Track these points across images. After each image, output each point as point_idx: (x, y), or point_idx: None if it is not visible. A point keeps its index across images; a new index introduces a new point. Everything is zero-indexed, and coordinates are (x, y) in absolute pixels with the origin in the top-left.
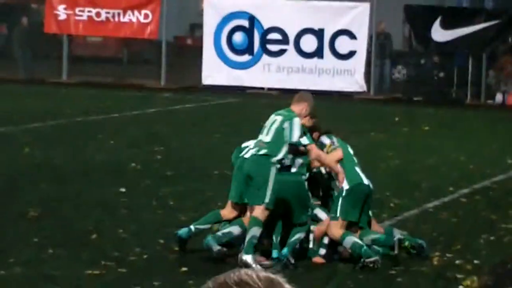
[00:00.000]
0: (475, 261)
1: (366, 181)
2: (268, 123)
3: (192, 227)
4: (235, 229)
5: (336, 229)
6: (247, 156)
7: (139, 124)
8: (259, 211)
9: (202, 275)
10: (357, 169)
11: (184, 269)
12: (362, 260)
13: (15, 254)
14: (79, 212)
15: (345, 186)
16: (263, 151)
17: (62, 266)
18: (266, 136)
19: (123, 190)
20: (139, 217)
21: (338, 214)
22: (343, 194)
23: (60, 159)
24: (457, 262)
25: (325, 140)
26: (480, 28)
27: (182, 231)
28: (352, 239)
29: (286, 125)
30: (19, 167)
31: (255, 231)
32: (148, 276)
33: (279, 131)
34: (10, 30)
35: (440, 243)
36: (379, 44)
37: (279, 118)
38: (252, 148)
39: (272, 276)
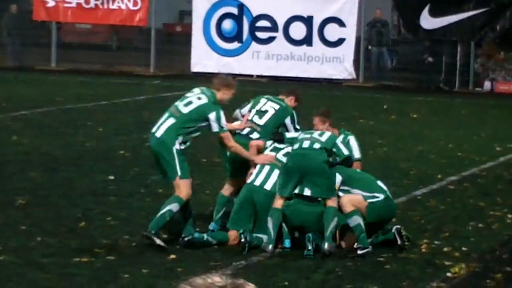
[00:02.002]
0: (464, 248)
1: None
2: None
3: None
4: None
5: (352, 203)
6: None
7: (129, 111)
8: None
9: (191, 262)
10: None
11: (172, 256)
12: (355, 245)
13: (3, 241)
14: (67, 199)
15: None
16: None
17: (51, 253)
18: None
19: (112, 177)
20: (127, 204)
21: (368, 202)
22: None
23: (49, 147)
24: (445, 249)
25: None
26: (468, 15)
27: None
28: (358, 220)
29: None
30: (7, 154)
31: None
32: (137, 264)
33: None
34: None
35: (429, 230)
36: (376, 32)
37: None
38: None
39: (229, 280)
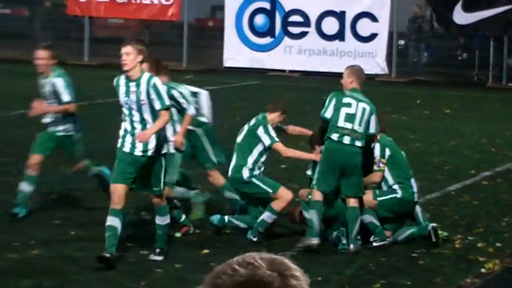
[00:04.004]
0: (497, 244)
1: None
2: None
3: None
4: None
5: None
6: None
7: None
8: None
9: (224, 257)
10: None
11: (205, 251)
12: (372, 237)
13: (36, 235)
14: (101, 193)
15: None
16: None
17: (84, 247)
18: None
19: None
20: None
21: (379, 200)
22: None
23: (84, 140)
24: (479, 244)
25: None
26: (501, 10)
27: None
28: (370, 218)
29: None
30: None
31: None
32: (170, 258)
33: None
34: (32, 12)
35: (462, 225)
36: (416, 27)
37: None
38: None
39: (274, 256)
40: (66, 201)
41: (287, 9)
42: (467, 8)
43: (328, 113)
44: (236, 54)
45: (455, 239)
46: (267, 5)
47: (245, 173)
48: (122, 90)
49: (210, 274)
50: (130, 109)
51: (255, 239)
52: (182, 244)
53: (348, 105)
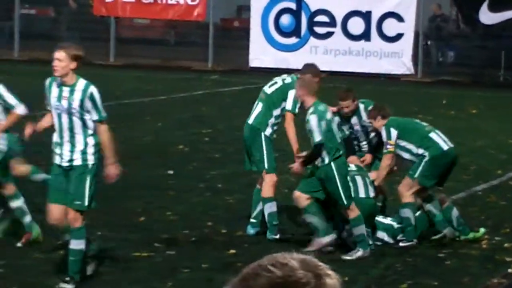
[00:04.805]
0: None
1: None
2: None
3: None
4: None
5: (407, 190)
6: None
7: (187, 106)
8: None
9: (250, 257)
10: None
11: (232, 251)
12: (400, 236)
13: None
14: (127, 194)
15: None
16: None
17: (111, 247)
18: None
19: (171, 172)
20: (187, 199)
21: (416, 176)
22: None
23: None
24: (506, 245)
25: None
26: None
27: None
28: (410, 213)
29: None
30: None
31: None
32: (197, 258)
33: None
34: (58, 12)
35: (489, 226)
36: (436, 27)
37: None
38: None
39: (304, 256)
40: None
41: (313, 9)
42: (493, 8)
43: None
44: (261, 54)
45: (482, 240)
46: (293, 5)
47: (264, 127)
48: (54, 93)
49: (238, 276)
50: (59, 115)
51: (277, 236)
52: (208, 245)
53: None
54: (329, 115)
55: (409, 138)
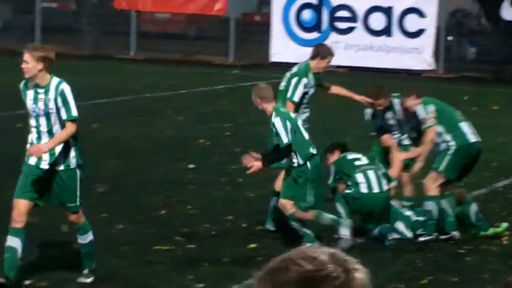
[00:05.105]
0: None
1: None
2: None
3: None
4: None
5: (432, 183)
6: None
7: (207, 100)
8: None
9: (271, 251)
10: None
11: (252, 245)
12: (420, 230)
13: None
14: (147, 188)
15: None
16: None
17: (131, 241)
18: None
19: (191, 166)
20: (207, 193)
21: (440, 169)
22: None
23: (128, 135)
24: None
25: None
26: None
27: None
28: (433, 207)
29: None
30: (87, 142)
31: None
32: (217, 252)
33: None
34: (79, 6)
35: (510, 222)
36: (456, 22)
37: None
38: None
39: (332, 250)
40: (112, 195)
41: (334, 4)
42: None
43: None
44: (282, 49)
45: (502, 236)
46: (314, 0)
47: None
48: (30, 96)
49: (265, 270)
50: (37, 117)
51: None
52: (229, 239)
53: None
54: (293, 115)
55: (442, 121)
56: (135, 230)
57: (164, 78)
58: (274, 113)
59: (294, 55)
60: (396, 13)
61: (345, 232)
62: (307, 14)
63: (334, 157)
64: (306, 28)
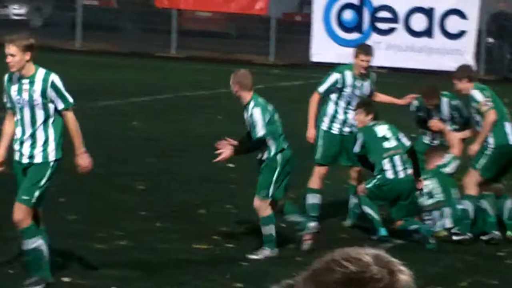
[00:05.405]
0: None
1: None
2: None
3: None
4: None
5: (472, 182)
6: None
7: None
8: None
9: (310, 251)
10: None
11: (291, 245)
12: (455, 228)
13: (123, 226)
14: (187, 186)
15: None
16: None
17: (169, 239)
18: None
19: (231, 165)
20: (247, 192)
21: (477, 167)
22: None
23: (168, 133)
24: None
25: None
26: None
27: None
28: (469, 206)
29: None
30: (127, 139)
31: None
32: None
33: None
34: (121, 4)
35: None
36: (498, 25)
37: None
38: None
39: (376, 251)
40: (151, 193)
41: (375, 4)
42: None
43: None
44: (323, 49)
45: None
46: (355, 1)
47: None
48: (14, 87)
49: (309, 270)
50: (21, 109)
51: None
52: None
53: None
54: (270, 107)
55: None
56: (174, 228)
57: (204, 77)
58: (252, 102)
59: (334, 55)
60: (438, 14)
61: (308, 236)
62: (348, 14)
63: (363, 118)
64: (347, 29)
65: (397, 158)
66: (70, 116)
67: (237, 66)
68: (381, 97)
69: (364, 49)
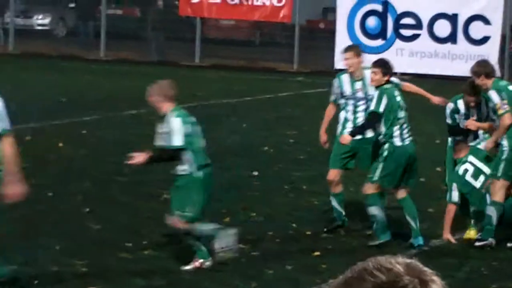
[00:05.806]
0: None
1: None
2: None
3: None
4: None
5: (498, 188)
6: None
7: (271, 107)
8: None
9: (335, 259)
10: None
11: (317, 253)
12: (479, 235)
13: (148, 235)
14: (212, 194)
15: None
16: None
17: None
18: None
19: (255, 173)
20: (271, 200)
21: (500, 175)
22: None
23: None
24: None
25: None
26: None
27: None
28: (493, 212)
29: None
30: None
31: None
32: (281, 260)
33: None
34: (144, 13)
35: None
36: None
37: None
38: None
39: (408, 260)
40: None
41: (399, 11)
42: None
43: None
44: None
45: None
46: (379, 7)
47: None
48: None
49: (341, 279)
50: None
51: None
52: (293, 246)
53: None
54: (192, 119)
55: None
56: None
57: (229, 85)
58: (175, 112)
59: None
60: (462, 20)
61: (220, 245)
62: (372, 21)
63: (380, 78)
64: (370, 35)
65: (405, 126)
66: (5, 141)
67: (261, 74)
68: (412, 88)
69: (344, 49)
